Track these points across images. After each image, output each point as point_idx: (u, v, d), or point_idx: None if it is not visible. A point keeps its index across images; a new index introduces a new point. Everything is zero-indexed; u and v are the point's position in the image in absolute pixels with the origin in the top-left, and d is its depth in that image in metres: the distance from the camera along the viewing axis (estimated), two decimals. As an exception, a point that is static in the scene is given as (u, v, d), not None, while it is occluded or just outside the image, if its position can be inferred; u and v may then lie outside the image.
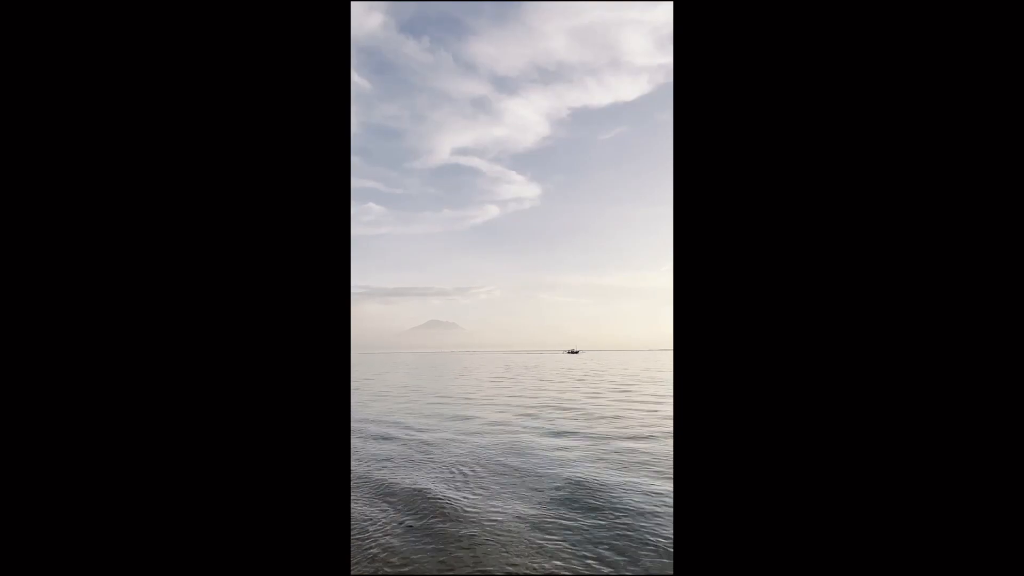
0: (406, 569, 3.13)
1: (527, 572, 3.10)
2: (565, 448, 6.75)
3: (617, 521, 3.93)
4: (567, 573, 3.09)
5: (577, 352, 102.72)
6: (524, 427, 8.62)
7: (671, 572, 3.06)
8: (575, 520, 3.97)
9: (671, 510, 4.20)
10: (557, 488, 4.85)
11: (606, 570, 3.11)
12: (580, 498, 4.54)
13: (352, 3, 1.55)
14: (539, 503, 4.41)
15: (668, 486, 4.88)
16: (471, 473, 5.47)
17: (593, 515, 4.09)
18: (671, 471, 5.42)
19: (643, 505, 4.31)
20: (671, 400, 12.41)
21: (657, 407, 11.04)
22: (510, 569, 3.13)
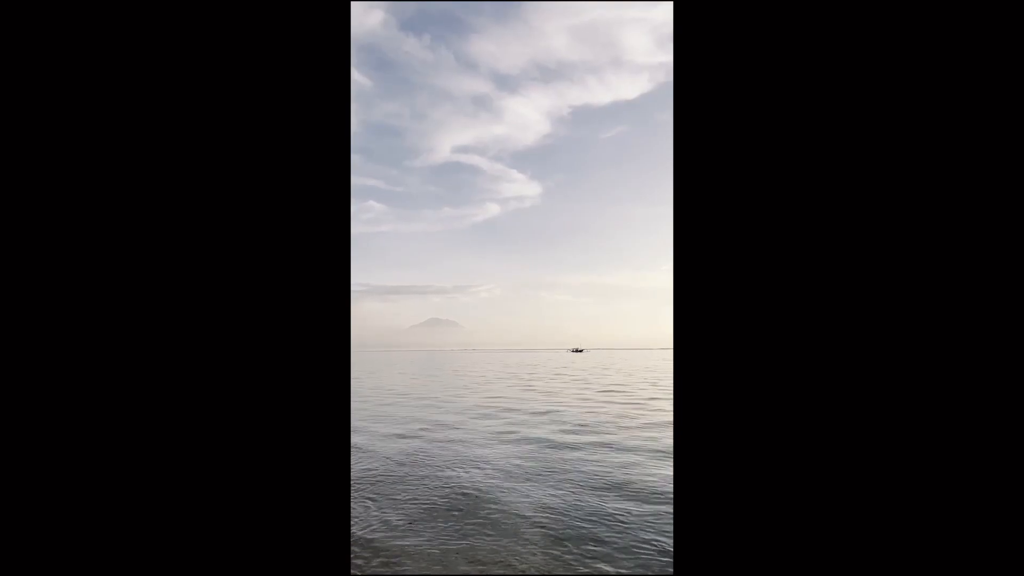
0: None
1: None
2: (494, 451, 6.64)
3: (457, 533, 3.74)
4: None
5: (581, 351, 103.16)
6: (470, 428, 8.59)
7: (671, 572, 3.06)
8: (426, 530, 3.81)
9: (513, 519, 4.08)
10: (440, 497, 4.68)
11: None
12: (451, 506, 4.36)
13: (352, 1, 1.55)
14: (414, 512, 4.24)
15: (557, 500, 4.62)
16: (364, 479, 5.32)
17: (442, 524, 3.95)
18: (574, 481, 5.19)
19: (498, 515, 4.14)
20: (649, 401, 12.31)
21: (643, 412, 10.72)
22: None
